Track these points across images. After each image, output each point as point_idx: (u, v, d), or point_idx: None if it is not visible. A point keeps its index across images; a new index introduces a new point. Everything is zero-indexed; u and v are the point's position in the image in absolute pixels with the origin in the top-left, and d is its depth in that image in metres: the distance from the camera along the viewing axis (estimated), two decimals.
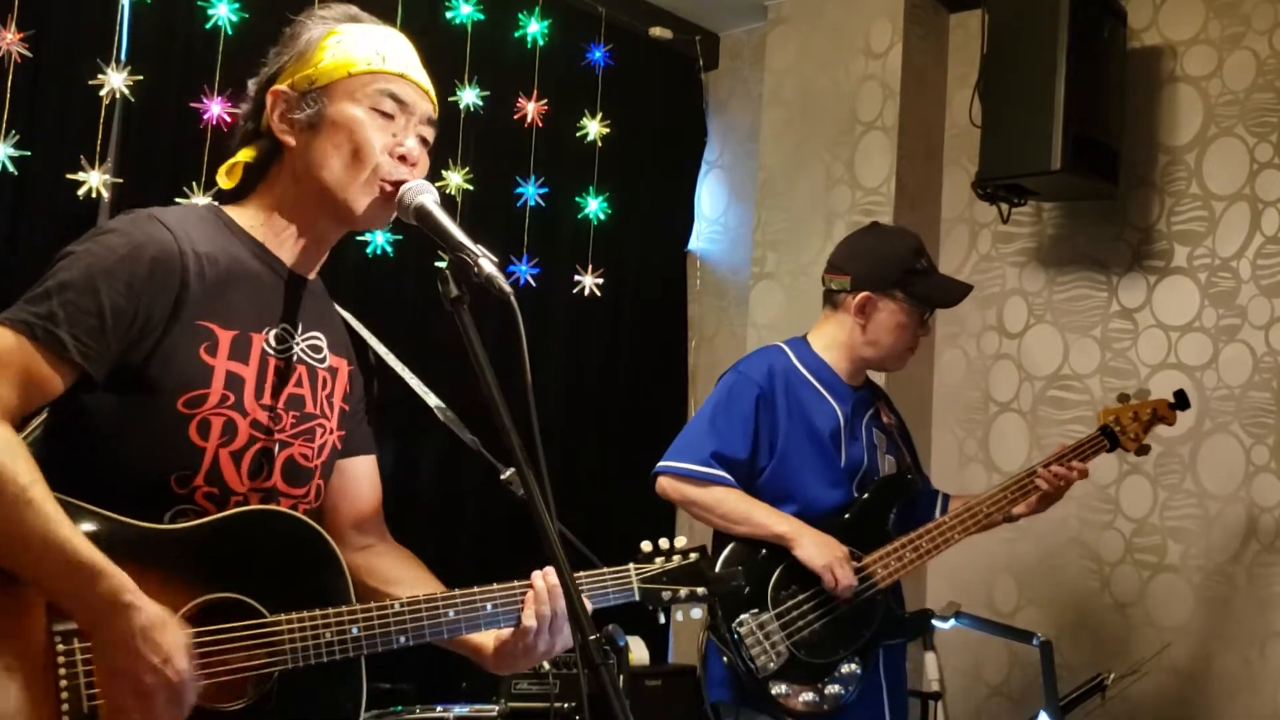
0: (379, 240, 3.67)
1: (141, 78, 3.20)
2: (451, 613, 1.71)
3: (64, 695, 1.48)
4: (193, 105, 3.29)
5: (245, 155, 1.77)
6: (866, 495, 2.85)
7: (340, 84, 1.71)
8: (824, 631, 2.73)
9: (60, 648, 1.49)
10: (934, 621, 3.87)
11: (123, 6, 3.23)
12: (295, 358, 1.74)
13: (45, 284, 1.57)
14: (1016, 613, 4.03)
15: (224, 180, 1.78)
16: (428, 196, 1.66)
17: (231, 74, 3.21)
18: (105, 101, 3.15)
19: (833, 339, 2.90)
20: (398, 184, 1.71)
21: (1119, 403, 3.12)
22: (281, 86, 1.72)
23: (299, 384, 1.74)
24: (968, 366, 4.25)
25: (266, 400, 1.69)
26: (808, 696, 2.70)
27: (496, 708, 3.31)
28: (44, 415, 1.64)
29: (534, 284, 4.13)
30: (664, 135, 4.76)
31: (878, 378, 3.22)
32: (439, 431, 2.05)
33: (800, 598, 2.73)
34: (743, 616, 2.69)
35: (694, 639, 2.88)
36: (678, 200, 4.86)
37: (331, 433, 1.80)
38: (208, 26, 3.31)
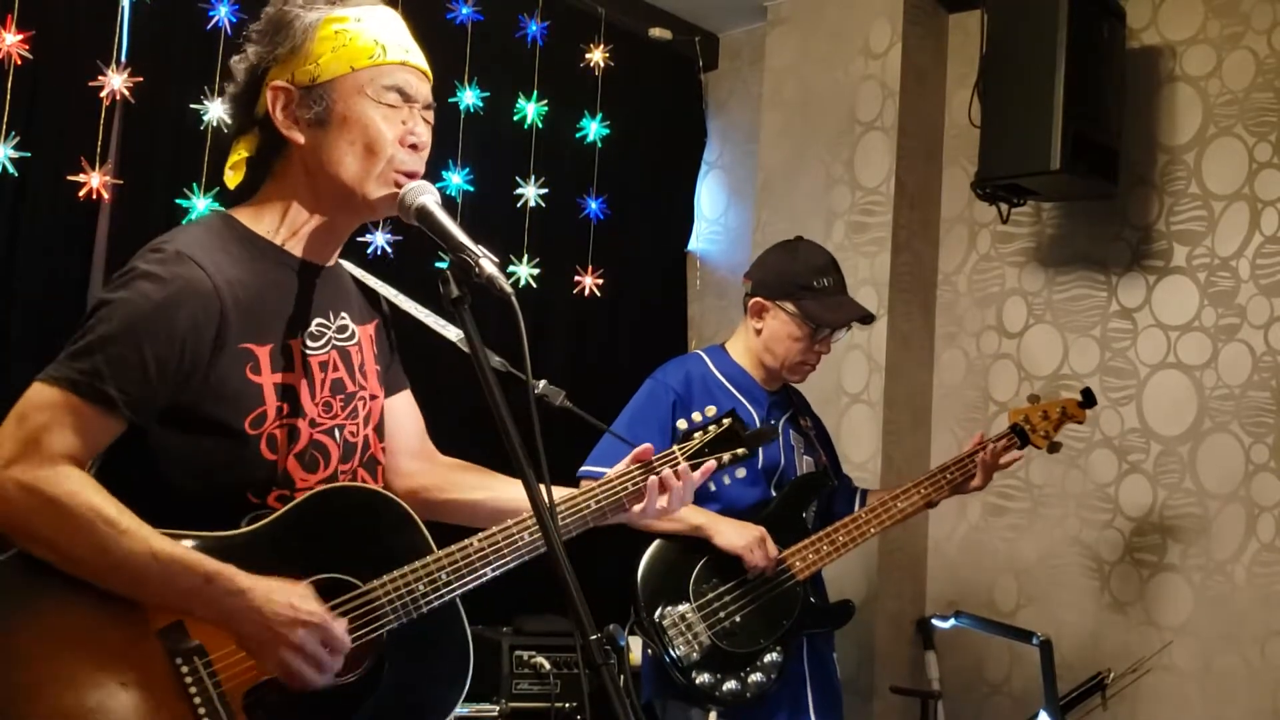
0: (379, 240, 3.68)
1: (141, 78, 3.20)
2: (526, 535, 1.77)
3: (201, 712, 1.55)
4: (193, 106, 3.29)
5: (245, 149, 1.77)
6: (784, 493, 2.98)
7: (345, 79, 1.70)
8: (745, 622, 2.83)
9: (184, 669, 1.55)
10: (934, 621, 3.89)
11: (123, 7, 3.23)
12: (331, 346, 1.78)
13: (86, 338, 1.59)
14: (1016, 612, 4.03)
15: (230, 179, 1.79)
16: (429, 197, 1.67)
17: (231, 74, 3.20)
18: (105, 102, 3.15)
19: (744, 345, 3.06)
20: (411, 174, 1.72)
21: (1029, 403, 3.29)
22: (281, 82, 1.71)
23: (336, 369, 1.79)
24: (967, 366, 4.26)
25: (319, 396, 1.74)
26: (731, 685, 2.80)
27: (496, 708, 3.31)
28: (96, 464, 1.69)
29: (534, 284, 4.13)
30: (664, 135, 4.76)
31: (826, 385, 3.24)
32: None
33: (721, 589, 2.84)
34: (665, 609, 2.79)
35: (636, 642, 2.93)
36: (678, 200, 4.86)
37: (373, 398, 1.86)
38: (208, 27, 3.31)
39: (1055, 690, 3.38)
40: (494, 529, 1.77)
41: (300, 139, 1.71)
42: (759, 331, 3.00)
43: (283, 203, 1.75)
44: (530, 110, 4.11)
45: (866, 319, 3.07)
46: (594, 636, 1.44)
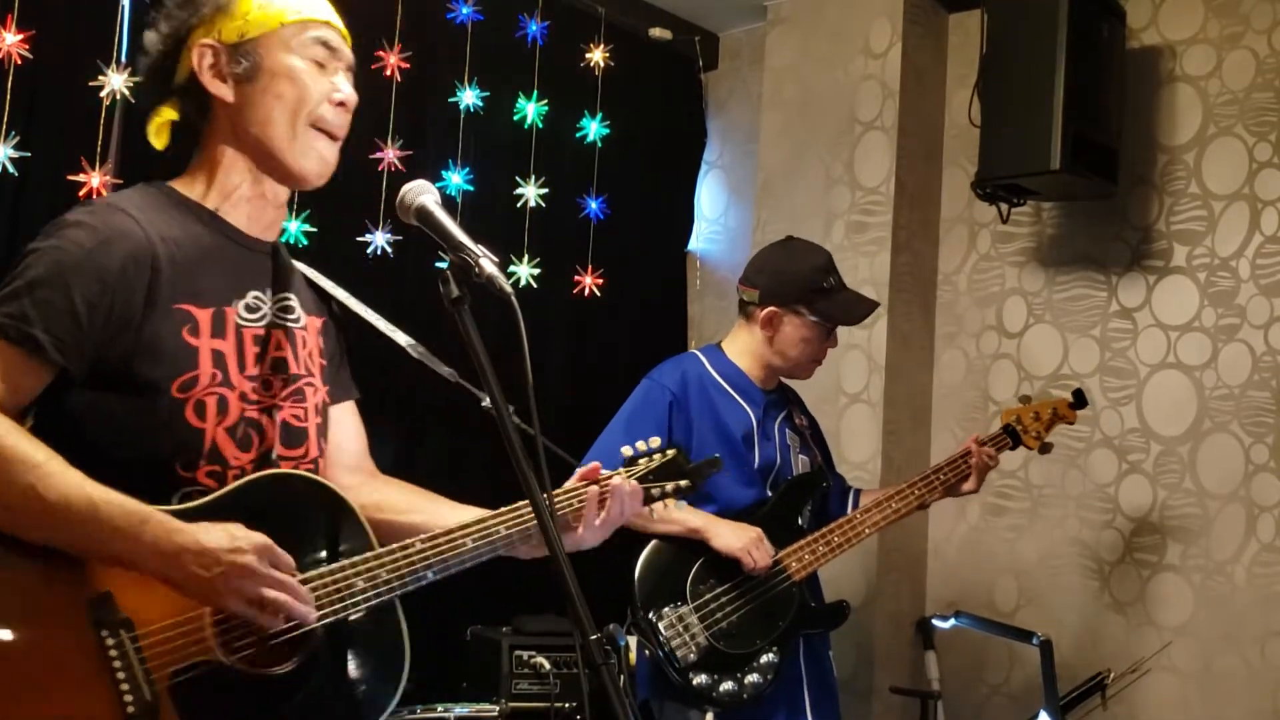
0: (379, 240, 3.68)
1: (141, 79, 3.20)
2: (469, 541, 1.76)
3: (124, 688, 1.49)
4: None
5: (171, 114, 1.78)
6: (780, 493, 2.99)
7: (273, 35, 1.72)
8: (741, 623, 2.84)
9: (110, 642, 1.51)
10: (934, 621, 3.89)
11: (123, 7, 3.23)
12: (270, 322, 1.76)
13: (14, 283, 1.58)
14: (1016, 612, 4.03)
15: (155, 140, 1.80)
16: (428, 197, 1.67)
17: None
18: (105, 102, 3.15)
19: (744, 347, 3.06)
20: (336, 132, 1.75)
21: (1020, 404, 3.30)
22: (209, 40, 1.72)
23: (279, 348, 1.77)
24: (967, 366, 4.26)
25: (251, 370, 1.71)
26: (728, 686, 2.80)
27: (497, 708, 3.31)
28: (29, 422, 1.64)
29: (534, 284, 4.13)
30: (664, 135, 4.75)
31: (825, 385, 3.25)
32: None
33: (718, 590, 2.85)
34: (662, 610, 2.81)
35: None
36: (678, 200, 4.86)
37: (319, 390, 1.83)
38: None
39: (1055, 691, 3.38)
40: (439, 533, 1.75)
41: (228, 96, 1.72)
42: (770, 339, 3.00)
43: (211, 166, 1.76)
44: (530, 110, 4.11)
45: (874, 308, 3.12)
46: (594, 636, 1.44)
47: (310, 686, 1.63)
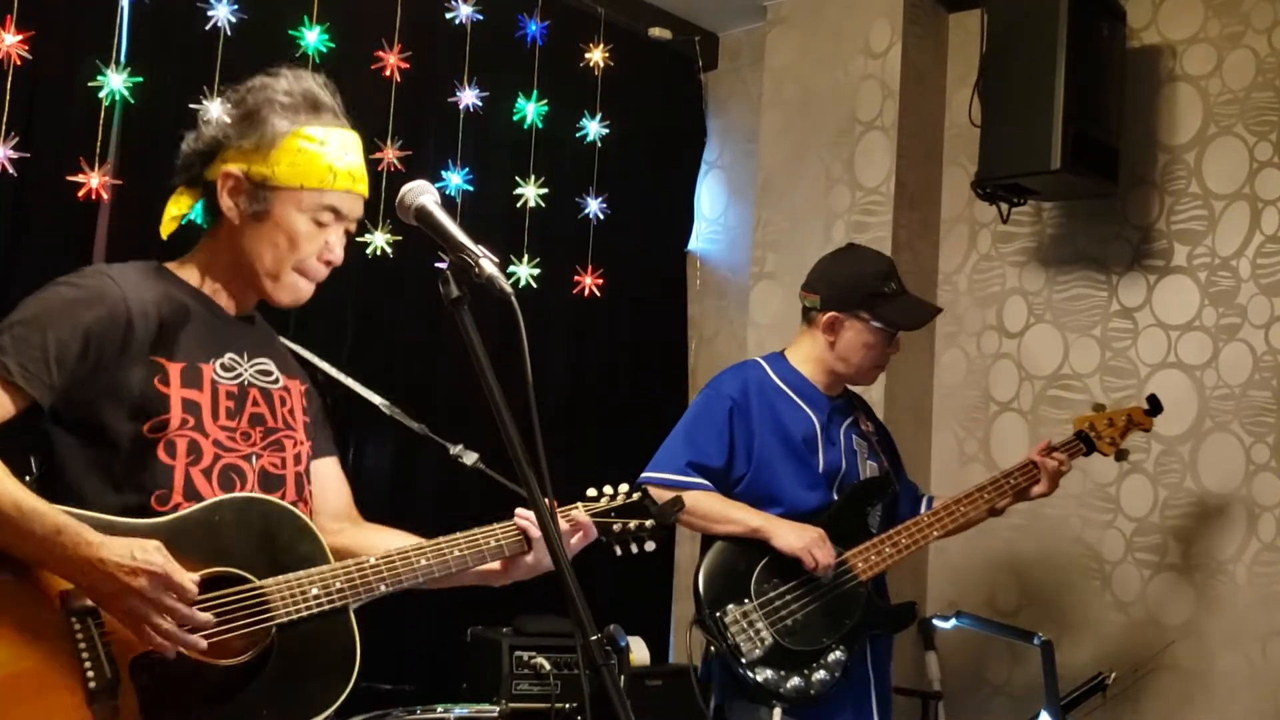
0: (379, 240, 3.67)
1: (141, 78, 3.20)
2: (422, 560, 1.93)
3: (87, 665, 1.67)
4: (192, 106, 3.28)
5: (185, 205, 1.97)
6: (845, 496, 2.99)
7: (292, 193, 1.89)
8: (807, 620, 2.85)
9: (77, 627, 1.68)
10: (935, 621, 3.88)
11: (123, 7, 3.23)
12: (246, 382, 1.95)
13: (1, 323, 1.77)
14: (1018, 612, 4.03)
15: (165, 228, 1.98)
16: (428, 197, 1.69)
17: (231, 74, 3.19)
18: (105, 102, 3.15)
19: (808, 353, 3.06)
20: (315, 279, 1.98)
21: (1094, 411, 3.27)
22: (237, 170, 1.89)
23: (256, 404, 1.95)
24: (968, 366, 4.26)
25: (225, 421, 1.89)
26: (795, 682, 2.81)
27: (497, 708, 3.32)
28: (37, 466, 1.82)
29: (534, 284, 4.13)
30: (664, 135, 4.75)
31: (877, 390, 3.25)
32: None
33: (782, 589, 2.86)
34: (727, 607, 2.82)
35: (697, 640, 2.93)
36: (677, 200, 4.86)
37: (300, 443, 2.01)
38: (207, 27, 3.31)
39: (1056, 691, 3.38)
40: (394, 550, 1.92)
41: (234, 219, 1.91)
42: (832, 344, 3.00)
43: (208, 260, 1.97)
44: (530, 110, 4.10)
45: (937, 314, 3.11)
46: (594, 637, 1.44)
47: (262, 678, 1.78)
